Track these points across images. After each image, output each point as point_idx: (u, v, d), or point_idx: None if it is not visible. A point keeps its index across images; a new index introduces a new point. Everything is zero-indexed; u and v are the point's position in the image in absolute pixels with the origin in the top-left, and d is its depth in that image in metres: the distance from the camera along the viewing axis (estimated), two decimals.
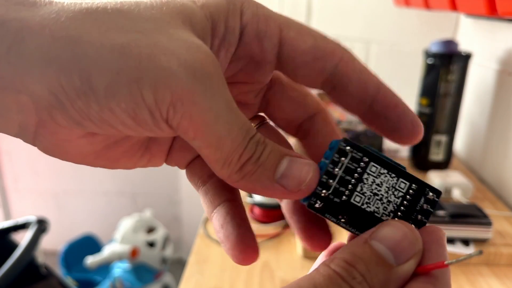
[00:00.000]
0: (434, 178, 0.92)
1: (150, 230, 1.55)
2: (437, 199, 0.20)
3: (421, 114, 1.01)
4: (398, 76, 1.26)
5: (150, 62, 0.16)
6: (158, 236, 1.52)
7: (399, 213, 0.20)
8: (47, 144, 0.19)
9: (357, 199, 0.20)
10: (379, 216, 0.20)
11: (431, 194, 0.20)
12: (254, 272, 0.69)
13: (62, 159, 0.20)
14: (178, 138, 0.23)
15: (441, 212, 0.74)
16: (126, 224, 1.50)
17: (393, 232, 0.18)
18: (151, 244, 1.50)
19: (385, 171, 0.20)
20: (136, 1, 0.18)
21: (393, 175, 0.20)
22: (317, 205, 0.19)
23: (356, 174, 0.19)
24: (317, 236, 0.22)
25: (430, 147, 1.00)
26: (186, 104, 0.16)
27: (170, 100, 0.16)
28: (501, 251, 0.71)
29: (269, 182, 0.18)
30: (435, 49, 0.95)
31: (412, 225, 0.19)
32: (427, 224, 0.20)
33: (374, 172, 0.20)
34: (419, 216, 0.20)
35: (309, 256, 0.72)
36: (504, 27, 0.97)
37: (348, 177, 0.19)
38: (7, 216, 1.97)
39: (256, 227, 0.83)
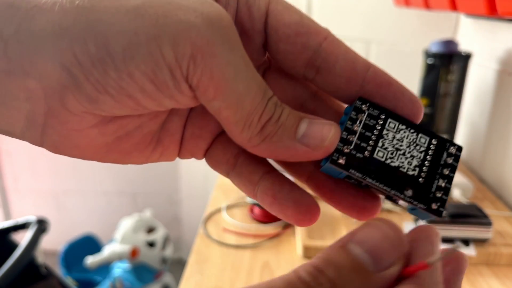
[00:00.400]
0: None
1: (150, 230, 1.55)
2: (459, 153, 0.20)
3: None
4: (398, 76, 1.25)
5: (167, 18, 0.16)
6: (158, 236, 1.52)
7: (424, 168, 0.19)
8: (56, 137, 0.18)
9: (380, 154, 0.19)
10: (404, 171, 0.19)
11: (452, 148, 0.20)
12: (254, 272, 0.69)
13: (72, 156, 0.19)
14: (188, 127, 0.22)
15: None
16: (126, 224, 1.50)
17: (372, 232, 0.16)
18: (151, 244, 1.50)
19: (404, 126, 0.20)
20: None
21: (412, 130, 0.20)
22: (340, 161, 0.19)
23: (375, 130, 0.19)
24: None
25: None
26: (206, 56, 0.16)
27: (190, 54, 0.16)
28: (501, 251, 0.71)
29: (291, 142, 0.18)
30: (435, 49, 0.95)
31: (397, 226, 0.16)
32: (420, 224, 0.20)
33: (393, 128, 0.20)
34: (445, 170, 0.20)
35: (309, 256, 0.72)
36: (504, 27, 0.97)
37: (368, 133, 0.19)
38: (7, 216, 1.97)
39: (256, 227, 0.83)
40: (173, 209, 1.88)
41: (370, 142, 0.19)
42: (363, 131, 0.19)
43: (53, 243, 1.77)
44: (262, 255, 0.74)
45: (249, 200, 0.87)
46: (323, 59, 0.20)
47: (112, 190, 1.91)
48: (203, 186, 1.67)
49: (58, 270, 1.59)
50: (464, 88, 0.97)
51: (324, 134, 0.18)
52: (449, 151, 0.20)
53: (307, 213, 0.20)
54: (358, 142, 0.19)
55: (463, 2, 0.67)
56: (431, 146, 0.20)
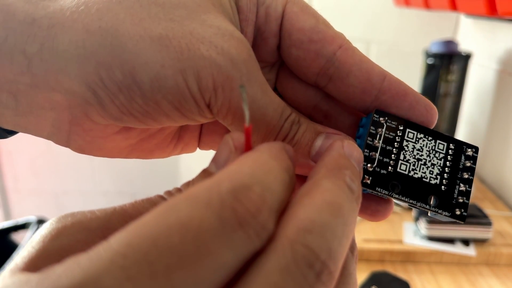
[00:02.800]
0: None
1: None
2: (476, 155, 0.20)
3: None
4: (398, 76, 1.26)
5: (190, 52, 0.16)
6: None
7: (445, 175, 0.20)
8: (81, 142, 0.19)
9: (403, 167, 0.19)
10: (427, 180, 0.19)
11: (469, 150, 0.20)
12: None
13: (97, 156, 0.20)
14: (206, 124, 0.23)
15: None
16: None
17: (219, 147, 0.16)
18: None
19: (422, 135, 0.20)
20: None
21: (430, 138, 0.20)
22: (365, 180, 0.19)
23: (395, 143, 0.19)
24: (375, 206, 0.20)
25: None
26: (225, 90, 0.17)
27: (212, 87, 0.17)
28: (501, 251, 0.71)
29: (304, 160, 0.18)
30: (435, 49, 0.95)
31: (238, 133, 0.15)
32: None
33: (412, 138, 0.20)
34: (465, 174, 0.20)
35: None
36: (504, 27, 0.97)
37: (389, 147, 0.19)
38: (7, 216, 1.97)
39: None
40: None
41: (392, 156, 0.19)
42: (384, 146, 0.19)
43: None
44: None
45: None
46: (336, 68, 0.19)
47: (112, 190, 1.91)
48: None
49: None
50: (464, 88, 0.97)
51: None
52: (467, 153, 0.20)
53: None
54: (381, 158, 0.19)
55: (463, 2, 0.67)
56: (450, 151, 0.20)
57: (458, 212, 0.19)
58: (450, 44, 0.94)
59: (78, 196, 1.93)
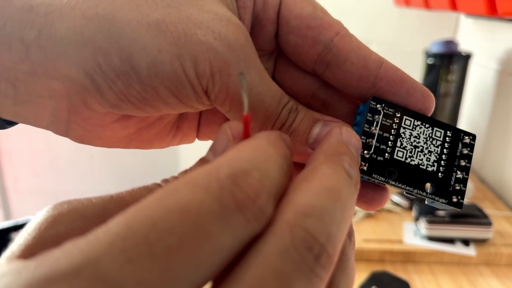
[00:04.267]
0: None
1: None
2: (473, 142, 0.20)
3: None
4: None
5: (187, 37, 0.16)
6: None
7: (442, 162, 0.20)
8: (80, 131, 0.19)
9: (400, 154, 0.19)
10: (424, 168, 0.19)
11: (466, 137, 0.20)
12: None
13: (96, 145, 0.20)
14: (203, 113, 0.23)
15: (441, 212, 0.74)
16: None
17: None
18: None
19: (419, 122, 0.20)
20: None
21: (427, 125, 0.20)
22: (362, 167, 0.19)
23: (392, 130, 0.19)
24: (371, 194, 0.20)
25: None
26: (223, 76, 0.17)
27: (209, 73, 0.17)
28: (501, 251, 0.71)
29: (302, 147, 0.19)
30: (435, 49, 0.95)
31: (236, 122, 0.16)
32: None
33: (409, 125, 0.20)
34: (462, 162, 0.20)
35: None
36: (504, 27, 0.97)
37: (386, 134, 0.19)
38: (7, 216, 1.97)
39: None
40: None
41: (389, 143, 0.19)
42: (381, 133, 0.19)
43: None
44: None
45: None
46: (333, 54, 0.19)
47: (112, 190, 1.90)
48: None
49: None
50: (464, 88, 0.97)
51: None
52: (464, 141, 0.20)
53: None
54: (378, 145, 0.19)
55: (463, 2, 0.67)
56: (447, 138, 0.20)
57: (455, 199, 0.19)
58: (450, 44, 0.94)
59: (78, 196, 1.90)
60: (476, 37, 1.12)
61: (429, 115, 0.20)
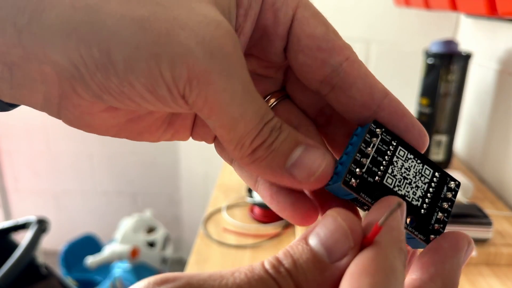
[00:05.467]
0: None
1: (150, 230, 1.55)
2: (457, 189, 0.21)
3: (421, 114, 1.01)
4: (398, 76, 1.26)
5: (168, 37, 0.16)
6: (158, 236, 1.52)
7: (426, 199, 0.20)
8: (71, 116, 0.19)
9: (389, 181, 0.19)
10: (409, 200, 0.20)
11: (452, 183, 0.21)
12: None
13: (87, 131, 0.20)
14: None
15: None
16: (126, 224, 1.50)
17: (327, 224, 0.16)
18: (151, 244, 1.50)
19: (412, 156, 0.20)
20: None
21: (419, 161, 0.20)
22: (352, 183, 0.19)
23: (386, 156, 0.20)
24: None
25: (430, 147, 1.00)
26: (201, 83, 0.16)
27: (186, 78, 0.16)
28: (501, 251, 0.71)
29: (279, 170, 0.18)
30: (435, 49, 0.95)
31: (350, 215, 0.17)
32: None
33: (402, 156, 0.20)
34: (444, 204, 0.20)
35: None
36: (504, 27, 0.97)
37: (380, 158, 0.19)
38: (7, 216, 1.97)
39: (256, 227, 0.83)
40: (173, 209, 1.88)
41: (381, 167, 0.19)
42: (376, 156, 0.19)
43: (53, 243, 1.77)
44: (262, 255, 0.74)
45: (249, 200, 0.87)
46: (340, 78, 0.19)
47: (112, 190, 1.91)
48: (203, 186, 1.67)
49: (58, 270, 1.59)
50: (464, 88, 0.97)
51: (313, 168, 0.18)
52: (449, 185, 0.21)
53: (305, 216, 0.20)
54: (370, 166, 0.19)
55: (463, 2, 0.67)
56: (434, 178, 0.21)
57: (432, 238, 0.20)
58: (450, 44, 0.94)
59: (78, 196, 1.93)
60: (476, 37, 1.12)
61: (422, 152, 0.21)
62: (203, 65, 0.16)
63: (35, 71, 0.17)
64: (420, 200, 0.20)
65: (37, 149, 1.85)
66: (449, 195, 0.21)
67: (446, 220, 0.20)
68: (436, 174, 0.21)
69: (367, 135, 0.19)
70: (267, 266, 0.15)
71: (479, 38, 1.10)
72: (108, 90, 0.17)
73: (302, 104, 0.22)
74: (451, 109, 0.97)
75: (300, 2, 0.20)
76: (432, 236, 0.20)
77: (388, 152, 0.20)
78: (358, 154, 0.19)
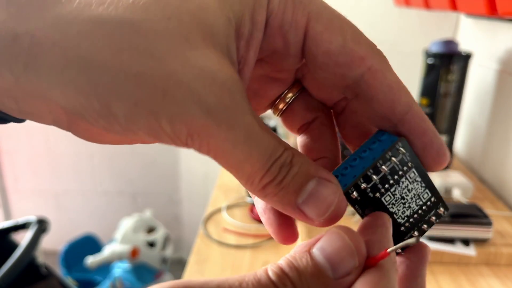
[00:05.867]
0: (434, 178, 0.92)
1: (150, 230, 1.55)
2: (443, 215, 0.21)
3: None
4: (398, 76, 1.26)
5: (166, 97, 0.16)
6: (158, 236, 1.52)
7: (411, 219, 0.20)
8: (81, 135, 0.19)
9: (387, 198, 0.19)
10: (396, 217, 0.20)
11: (441, 209, 0.21)
12: None
13: (99, 143, 0.20)
14: None
15: None
16: (126, 224, 1.50)
17: (334, 240, 0.17)
18: (151, 244, 1.50)
19: (420, 179, 0.20)
20: (149, 6, 0.16)
21: (423, 184, 0.20)
22: (353, 195, 0.19)
23: (396, 176, 0.19)
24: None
25: None
26: (202, 136, 0.16)
27: (186, 133, 0.16)
28: (501, 251, 0.71)
29: (290, 207, 0.18)
30: (435, 49, 0.95)
31: (356, 234, 0.17)
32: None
33: (410, 179, 0.20)
34: (424, 226, 0.21)
35: None
36: (504, 27, 0.97)
37: (389, 177, 0.19)
38: (7, 216, 1.97)
39: (256, 227, 0.83)
40: (173, 209, 1.88)
41: (387, 186, 0.19)
42: (387, 174, 0.19)
43: (53, 243, 1.77)
44: (262, 255, 0.74)
45: (249, 200, 0.87)
46: (362, 89, 0.19)
47: (112, 190, 1.91)
48: (203, 186, 1.67)
49: (58, 270, 1.59)
50: (464, 88, 0.97)
51: (324, 206, 0.18)
52: (438, 210, 0.21)
53: (286, 238, 0.21)
54: (377, 183, 0.19)
55: (463, 2, 0.67)
56: (428, 202, 0.20)
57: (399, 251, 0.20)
58: (450, 44, 0.94)
59: (78, 196, 1.93)
60: (476, 37, 1.12)
61: (437, 171, 0.20)
62: (201, 120, 0.16)
63: (41, 104, 0.17)
64: (405, 219, 0.20)
65: (37, 149, 1.85)
66: (433, 219, 0.21)
67: (419, 238, 0.19)
68: (432, 198, 0.20)
69: (389, 152, 0.19)
70: (273, 277, 0.16)
71: (479, 38, 1.10)
72: (112, 131, 0.17)
73: (319, 96, 0.22)
74: (451, 109, 0.97)
75: (310, 14, 0.18)
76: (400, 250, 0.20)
77: (400, 172, 0.19)
78: (371, 170, 0.19)
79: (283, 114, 0.23)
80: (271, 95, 0.23)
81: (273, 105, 0.23)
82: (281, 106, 0.23)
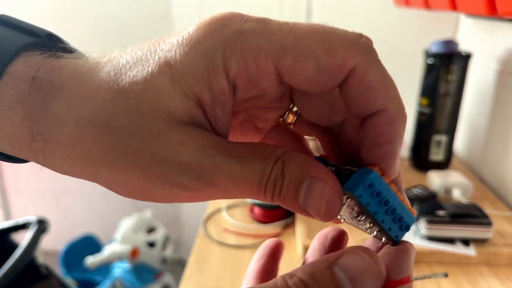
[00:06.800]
0: (434, 178, 0.92)
1: (150, 230, 1.55)
2: (397, 243, 0.21)
3: (421, 114, 1.01)
4: (398, 76, 1.25)
5: (148, 188, 0.19)
6: (158, 236, 1.52)
7: (375, 228, 0.21)
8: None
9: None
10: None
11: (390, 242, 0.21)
12: None
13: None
14: None
15: (441, 212, 0.74)
16: (126, 224, 1.50)
17: (357, 261, 0.17)
18: (151, 244, 1.50)
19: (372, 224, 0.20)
20: (116, 101, 0.18)
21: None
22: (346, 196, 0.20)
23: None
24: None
25: (430, 147, 1.00)
26: (201, 193, 0.19)
27: (188, 196, 0.19)
28: (501, 251, 0.71)
29: (298, 210, 0.19)
30: (435, 49, 0.95)
31: (379, 259, 0.18)
32: (403, 239, 0.20)
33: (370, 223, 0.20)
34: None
35: None
36: (504, 27, 0.97)
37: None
38: (7, 216, 1.97)
39: (256, 227, 0.83)
40: (173, 209, 1.88)
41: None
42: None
43: (53, 243, 1.76)
44: None
45: (249, 200, 0.87)
46: (345, 90, 0.19)
47: None
48: None
49: (58, 270, 1.59)
50: (464, 88, 0.97)
51: (318, 205, 0.18)
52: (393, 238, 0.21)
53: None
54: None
55: (463, 2, 0.67)
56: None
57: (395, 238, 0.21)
58: (450, 44, 0.94)
59: (78, 196, 1.93)
60: (476, 37, 1.12)
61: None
62: (183, 197, 0.19)
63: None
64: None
65: None
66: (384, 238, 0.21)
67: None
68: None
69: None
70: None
71: (479, 38, 1.10)
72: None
73: (312, 119, 0.23)
74: (451, 109, 0.97)
75: (274, 56, 0.17)
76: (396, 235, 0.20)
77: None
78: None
79: (294, 126, 0.24)
80: (274, 117, 0.24)
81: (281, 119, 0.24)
82: (289, 120, 0.24)
